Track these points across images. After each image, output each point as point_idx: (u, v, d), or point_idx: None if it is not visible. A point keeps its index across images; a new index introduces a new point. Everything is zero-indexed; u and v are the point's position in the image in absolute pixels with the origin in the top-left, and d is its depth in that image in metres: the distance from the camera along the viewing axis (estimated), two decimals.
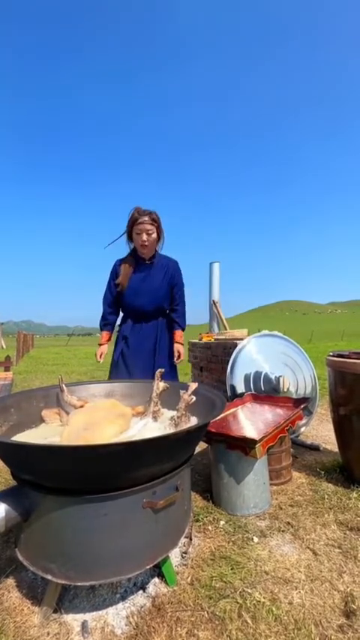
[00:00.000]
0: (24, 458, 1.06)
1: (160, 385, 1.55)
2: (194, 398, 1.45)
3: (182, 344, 2.41)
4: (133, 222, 2.10)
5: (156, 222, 2.12)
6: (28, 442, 1.21)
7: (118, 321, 2.46)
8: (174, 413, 1.43)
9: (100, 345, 2.40)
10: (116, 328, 2.47)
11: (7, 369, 4.54)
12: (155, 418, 1.47)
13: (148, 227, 2.09)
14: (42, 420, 1.53)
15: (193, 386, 1.49)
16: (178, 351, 2.35)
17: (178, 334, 2.39)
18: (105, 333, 2.40)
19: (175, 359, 2.33)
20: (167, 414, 1.54)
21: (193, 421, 1.43)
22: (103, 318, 2.40)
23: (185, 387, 1.49)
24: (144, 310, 2.30)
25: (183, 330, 2.40)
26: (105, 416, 1.40)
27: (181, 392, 1.45)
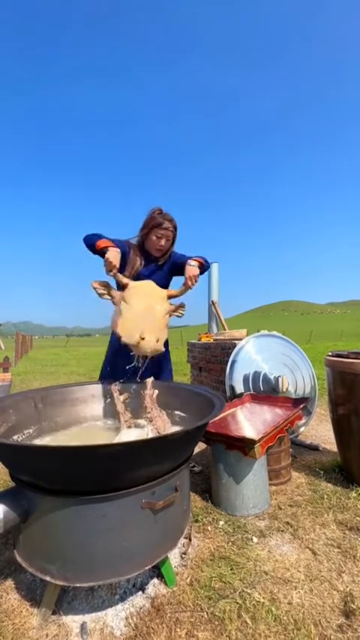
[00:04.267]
0: (22, 459, 1.06)
1: (120, 398, 1.72)
2: (157, 391, 1.67)
3: (197, 267, 1.90)
4: (155, 225, 2.01)
5: (176, 230, 2.10)
6: (26, 443, 1.21)
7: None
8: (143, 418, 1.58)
9: (107, 247, 1.70)
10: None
11: (5, 370, 4.54)
12: (130, 427, 1.56)
13: (170, 234, 2.06)
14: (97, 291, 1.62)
15: (149, 381, 1.70)
16: (189, 275, 1.83)
17: (193, 260, 1.93)
18: (105, 240, 1.77)
19: (187, 282, 1.83)
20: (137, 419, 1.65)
21: (164, 414, 1.61)
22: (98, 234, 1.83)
23: (144, 386, 1.72)
24: None
25: (201, 260, 1.95)
26: (154, 295, 1.70)
27: (142, 392, 1.66)
